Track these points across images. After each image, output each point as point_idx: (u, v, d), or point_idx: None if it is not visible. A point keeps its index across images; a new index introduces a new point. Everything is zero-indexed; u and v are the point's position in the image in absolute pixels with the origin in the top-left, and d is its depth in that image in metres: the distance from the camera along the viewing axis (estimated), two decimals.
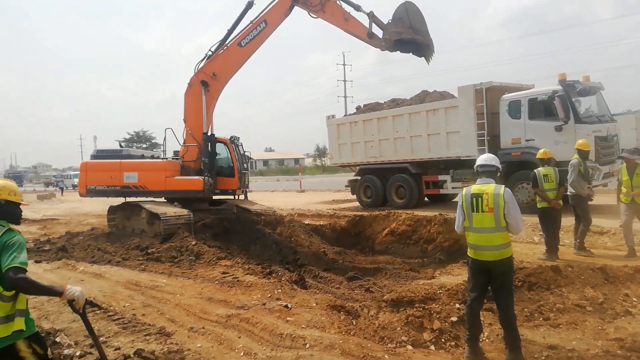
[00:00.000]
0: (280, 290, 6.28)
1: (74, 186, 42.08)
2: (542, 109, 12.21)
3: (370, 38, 10.56)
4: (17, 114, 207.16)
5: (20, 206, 3.15)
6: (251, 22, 11.29)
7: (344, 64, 53.95)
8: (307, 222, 13.13)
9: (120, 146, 15.51)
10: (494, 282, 4.38)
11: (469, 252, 4.50)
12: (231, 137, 12.81)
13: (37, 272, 8.30)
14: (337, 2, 10.79)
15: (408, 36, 10.19)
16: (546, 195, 7.86)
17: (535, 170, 8.11)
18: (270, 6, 11.12)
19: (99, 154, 13.21)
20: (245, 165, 13.07)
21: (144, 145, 68.38)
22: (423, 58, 10.68)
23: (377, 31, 10.71)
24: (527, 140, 12.38)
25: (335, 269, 9.20)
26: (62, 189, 41.46)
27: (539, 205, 8.09)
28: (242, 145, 13.19)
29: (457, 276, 7.10)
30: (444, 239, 9.72)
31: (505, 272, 4.37)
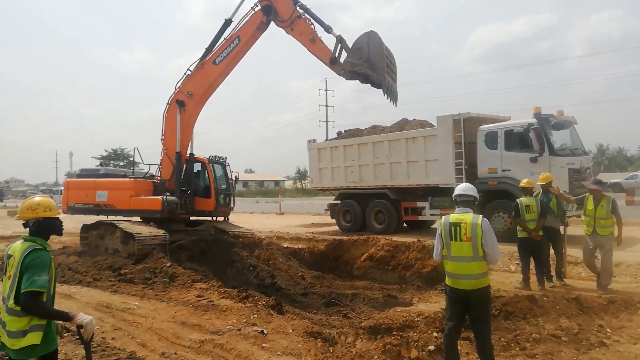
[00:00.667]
0: (256, 315, 6.16)
1: None
2: (518, 140, 12.52)
3: (332, 64, 9.82)
4: None
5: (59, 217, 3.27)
6: (225, 38, 10.98)
7: (326, 90, 54.75)
8: (285, 246, 13.03)
9: (102, 165, 15.67)
10: (472, 311, 4.39)
11: (447, 281, 4.52)
12: (211, 157, 12.65)
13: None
14: (307, 21, 10.17)
15: (362, 70, 9.43)
16: (526, 225, 7.97)
17: (517, 200, 8.23)
18: (244, 22, 10.79)
19: (83, 173, 13.49)
20: (229, 186, 12.88)
21: (121, 163, 67.94)
22: (393, 102, 9.82)
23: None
24: (503, 171, 12.63)
25: (313, 293, 9.08)
26: None
27: (519, 235, 8.18)
28: (229, 165, 13.03)
29: (434, 304, 7.10)
30: (422, 266, 9.75)
31: (482, 301, 4.39)
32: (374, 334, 5.36)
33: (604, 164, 64.45)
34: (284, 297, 8.19)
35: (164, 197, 11.25)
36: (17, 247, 3.08)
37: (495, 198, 12.59)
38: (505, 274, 9.31)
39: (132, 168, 13.62)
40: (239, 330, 5.57)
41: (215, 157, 12.77)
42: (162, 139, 11.98)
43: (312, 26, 10.17)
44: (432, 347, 5.05)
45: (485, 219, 4.41)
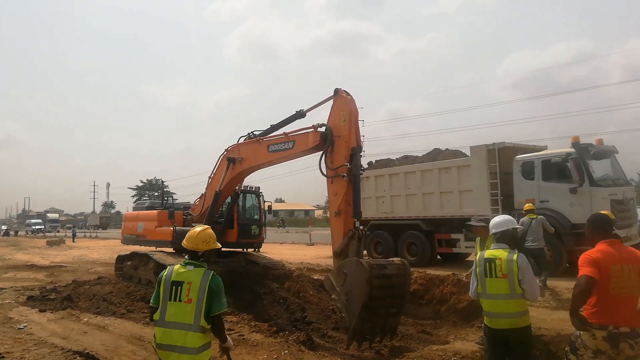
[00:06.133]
0: (287, 352, 6.07)
1: None
2: (556, 170, 12.16)
3: (336, 257, 8.29)
4: (32, 161, 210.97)
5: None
6: (285, 133, 10.26)
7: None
8: (316, 278, 12.88)
9: (138, 196, 16.33)
10: (512, 352, 4.18)
11: (485, 320, 4.34)
12: (243, 187, 12.60)
13: (41, 321, 8.15)
14: (348, 184, 8.46)
15: (338, 303, 7.94)
16: None
17: None
18: (303, 132, 9.83)
19: (137, 206, 14.29)
20: (261, 217, 12.87)
21: (156, 193, 69.98)
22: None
23: None
24: (541, 202, 12.25)
25: (345, 327, 8.88)
26: (74, 235, 41.10)
27: None
28: (262, 195, 13.00)
29: (472, 342, 6.81)
30: (457, 300, 9.41)
31: (523, 343, 4.18)
32: None
33: None
34: (314, 332, 8.03)
35: (175, 228, 11.38)
36: (190, 274, 3.44)
37: None
38: (547, 311, 8.88)
39: (162, 200, 14.25)
40: None
41: (248, 187, 12.81)
42: (210, 177, 12.09)
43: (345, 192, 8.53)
44: None
45: (522, 254, 4.25)
